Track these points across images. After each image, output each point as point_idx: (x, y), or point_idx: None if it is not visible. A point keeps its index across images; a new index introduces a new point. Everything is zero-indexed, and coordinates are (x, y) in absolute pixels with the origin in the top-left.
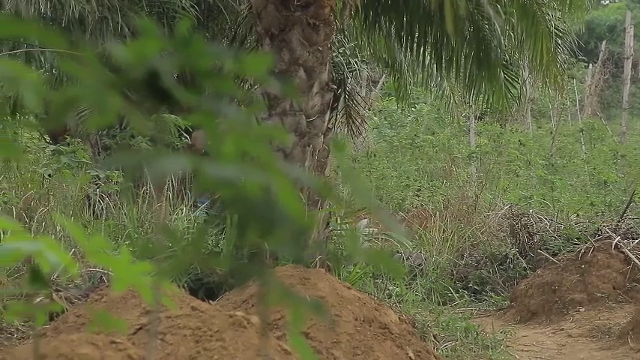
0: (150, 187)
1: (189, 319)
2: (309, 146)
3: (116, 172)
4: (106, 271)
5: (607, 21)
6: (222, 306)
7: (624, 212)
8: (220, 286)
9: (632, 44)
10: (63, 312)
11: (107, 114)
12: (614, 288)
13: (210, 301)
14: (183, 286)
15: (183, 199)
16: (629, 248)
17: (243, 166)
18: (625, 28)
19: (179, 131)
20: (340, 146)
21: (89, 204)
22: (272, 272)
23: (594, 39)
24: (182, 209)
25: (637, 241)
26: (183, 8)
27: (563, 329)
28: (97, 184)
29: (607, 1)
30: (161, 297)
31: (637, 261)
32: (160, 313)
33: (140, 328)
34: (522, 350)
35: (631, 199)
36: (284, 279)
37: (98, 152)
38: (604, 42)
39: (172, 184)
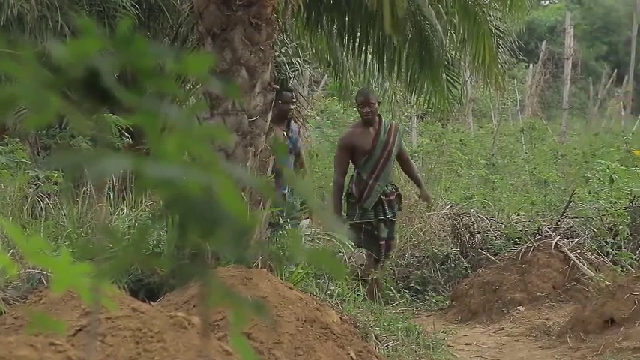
0: (90, 188)
1: (129, 320)
2: (251, 146)
3: (56, 172)
4: (45, 272)
5: (547, 22)
6: (163, 307)
7: (564, 212)
8: (161, 287)
9: (571, 45)
10: (1, 314)
11: (46, 113)
12: (553, 287)
13: (151, 302)
14: (124, 287)
15: (124, 199)
16: (568, 248)
17: (184, 166)
18: (565, 29)
19: (120, 131)
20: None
21: (28, 204)
22: (213, 272)
23: (535, 39)
24: (123, 209)
25: (576, 240)
26: (124, 7)
27: (503, 328)
28: (36, 185)
29: (547, 2)
30: (101, 298)
31: (576, 260)
32: (99, 314)
33: (80, 330)
34: (463, 350)
35: (570, 198)
36: (225, 279)
37: (37, 152)
38: (544, 42)
39: (113, 185)
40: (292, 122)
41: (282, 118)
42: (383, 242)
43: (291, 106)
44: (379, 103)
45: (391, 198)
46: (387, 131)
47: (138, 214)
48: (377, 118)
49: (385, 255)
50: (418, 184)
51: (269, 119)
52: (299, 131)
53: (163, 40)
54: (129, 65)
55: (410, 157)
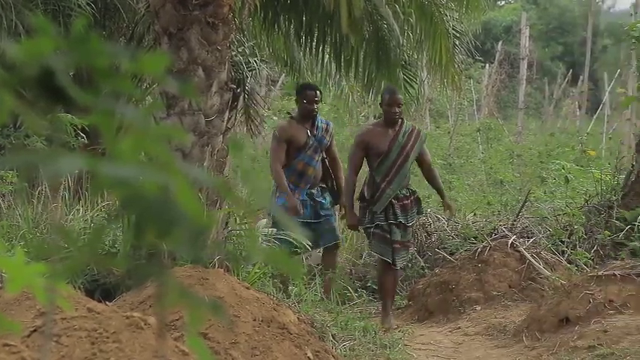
0: (45, 188)
1: (84, 320)
2: (208, 146)
3: (10, 172)
4: None
5: (503, 22)
6: (119, 307)
7: (520, 211)
8: (117, 287)
9: (527, 45)
10: None
11: (0, 113)
12: (509, 286)
13: (107, 302)
14: (79, 288)
15: (79, 199)
16: (524, 247)
17: (140, 165)
18: (520, 29)
19: (75, 131)
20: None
21: None
22: (170, 273)
23: (491, 40)
24: (79, 210)
25: (532, 239)
26: (79, 6)
27: (459, 328)
28: None
29: (503, 3)
30: (56, 298)
31: (532, 260)
32: (54, 314)
33: (34, 330)
34: (420, 349)
35: (526, 198)
36: (182, 279)
37: None
38: (500, 43)
39: (69, 185)
40: (319, 119)
41: (307, 117)
42: (397, 246)
43: (315, 106)
44: (403, 104)
45: (405, 202)
46: (406, 135)
47: (94, 214)
48: (399, 120)
49: (401, 258)
50: (440, 192)
51: (226, 119)
52: (326, 127)
53: (119, 39)
54: (84, 64)
55: (432, 166)
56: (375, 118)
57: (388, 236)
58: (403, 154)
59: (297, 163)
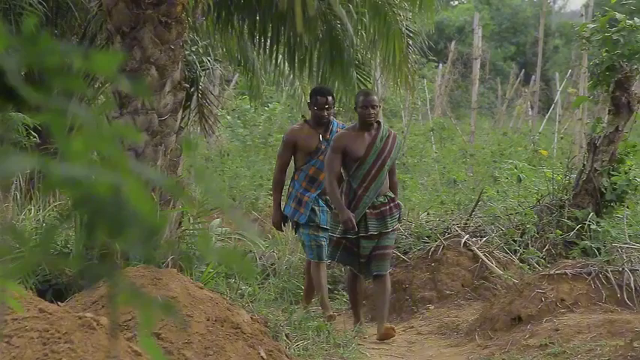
0: None
1: (36, 321)
2: (161, 145)
3: None
4: None
5: (456, 22)
6: (71, 307)
7: (473, 210)
8: (69, 288)
9: (480, 45)
10: None
11: None
12: (462, 285)
13: (59, 303)
14: (31, 288)
15: (31, 199)
16: (477, 246)
17: (92, 165)
18: (473, 29)
19: (27, 130)
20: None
21: None
22: (122, 273)
23: (444, 39)
24: (30, 209)
25: (485, 239)
26: (30, 5)
27: (413, 327)
28: None
29: (456, 3)
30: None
31: (485, 259)
32: (5, 315)
33: None
34: (373, 348)
35: (479, 197)
36: (135, 279)
37: None
38: (453, 42)
39: (20, 184)
40: (335, 123)
41: (319, 123)
42: (365, 260)
43: (325, 112)
44: (379, 107)
45: (383, 209)
46: (384, 139)
47: (45, 214)
48: (375, 123)
49: (376, 266)
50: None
51: (179, 118)
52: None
53: (71, 38)
54: (36, 63)
55: (396, 171)
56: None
57: (356, 250)
58: (380, 160)
59: (309, 168)
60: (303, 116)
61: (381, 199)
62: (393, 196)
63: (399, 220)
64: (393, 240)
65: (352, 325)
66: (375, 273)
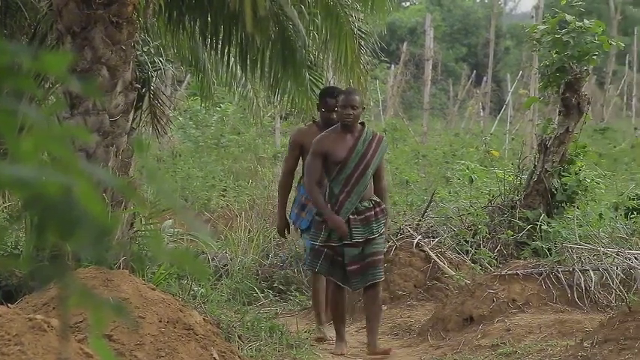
0: None
1: None
2: (112, 146)
3: None
4: None
5: (408, 23)
6: (22, 309)
7: (425, 211)
8: (20, 289)
9: (431, 46)
10: None
11: None
12: (415, 286)
13: (9, 305)
14: None
15: None
16: (429, 247)
17: (43, 166)
18: (425, 30)
19: None
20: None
21: None
22: (73, 274)
23: (396, 41)
24: None
25: (437, 239)
26: None
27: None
28: None
29: (408, 4)
30: None
31: (437, 259)
32: None
33: None
34: (326, 349)
35: (431, 198)
36: (86, 281)
37: None
38: (405, 44)
39: None
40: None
41: (328, 126)
42: (353, 267)
43: (333, 115)
44: (364, 108)
45: (367, 214)
46: (366, 142)
47: None
48: (359, 125)
49: (371, 275)
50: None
51: (131, 119)
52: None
53: (21, 38)
54: None
55: (384, 177)
56: (280, 118)
57: (340, 259)
58: (363, 163)
59: None
60: (313, 118)
61: (366, 204)
62: (378, 200)
63: (386, 226)
64: (383, 245)
65: (304, 325)
66: (370, 282)
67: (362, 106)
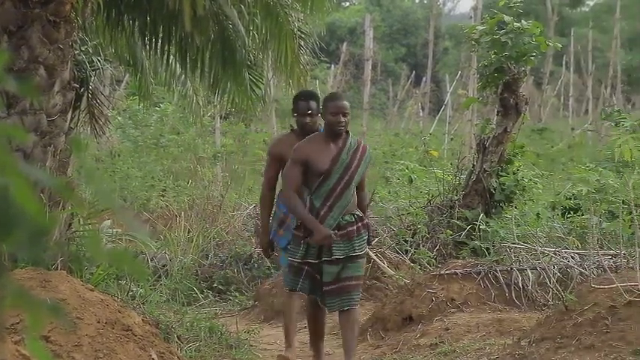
0: None
1: None
2: (50, 146)
3: None
4: None
5: (347, 23)
6: None
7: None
8: None
9: (371, 46)
10: None
11: None
12: None
13: None
14: None
15: None
16: (369, 246)
17: None
18: (364, 31)
19: None
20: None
21: None
22: (9, 275)
23: (336, 41)
24: None
25: (377, 239)
26: None
27: (305, 327)
28: None
29: (347, 4)
30: None
31: (377, 259)
32: None
33: None
34: (265, 349)
35: (371, 198)
36: (23, 282)
37: None
38: (345, 44)
39: None
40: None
41: (304, 130)
42: (329, 288)
43: (307, 119)
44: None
45: (349, 229)
46: (351, 151)
47: None
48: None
49: (344, 301)
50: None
51: (69, 119)
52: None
53: None
54: None
55: (366, 188)
56: (220, 118)
57: (318, 277)
58: (347, 175)
59: None
60: (291, 125)
61: (347, 218)
62: (360, 214)
63: (369, 243)
64: (362, 268)
65: (244, 326)
66: (345, 308)
67: (349, 112)
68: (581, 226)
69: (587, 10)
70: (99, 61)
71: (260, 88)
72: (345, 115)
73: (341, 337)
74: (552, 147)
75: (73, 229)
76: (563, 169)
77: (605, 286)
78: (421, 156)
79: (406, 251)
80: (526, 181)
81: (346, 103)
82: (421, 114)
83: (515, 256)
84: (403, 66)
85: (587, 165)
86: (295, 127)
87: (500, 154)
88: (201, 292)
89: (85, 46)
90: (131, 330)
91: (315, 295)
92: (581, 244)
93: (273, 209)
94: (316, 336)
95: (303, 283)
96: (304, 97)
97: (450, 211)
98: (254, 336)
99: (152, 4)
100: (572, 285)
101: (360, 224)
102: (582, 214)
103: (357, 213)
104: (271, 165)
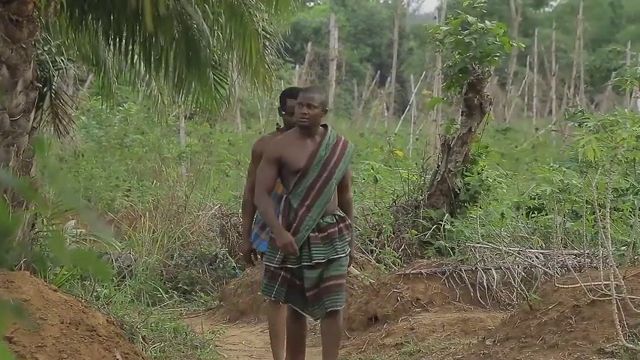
0: None
1: None
2: (13, 146)
3: None
4: None
5: (312, 23)
6: None
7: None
8: None
9: (336, 46)
10: None
11: None
12: None
13: None
14: None
15: None
16: None
17: None
18: (329, 31)
19: None
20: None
21: None
22: None
23: (300, 40)
24: None
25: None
26: None
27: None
28: None
29: (312, 4)
30: None
31: None
32: None
33: None
34: (231, 349)
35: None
36: None
37: None
38: (310, 44)
39: None
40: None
41: (290, 128)
42: (311, 293)
43: (292, 118)
44: (326, 110)
45: (330, 231)
46: (329, 147)
47: None
48: (321, 128)
49: (328, 302)
50: None
51: (32, 118)
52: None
53: None
54: None
55: (350, 188)
56: (185, 118)
57: (298, 283)
58: (326, 172)
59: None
60: (277, 124)
61: (328, 220)
62: (342, 215)
63: (351, 245)
64: (345, 268)
65: (209, 326)
66: (328, 310)
67: (323, 106)
68: (545, 225)
69: (550, 10)
70: (62, 60)
71: (225, 88)
72: (309, 106)
73: (328, 354)
74: (516, 147)
75: (36, 230)
76: (527, 169)
77: (569, 285)
78: (386, 156)
79: (371, 251)
80: (490, 181)
81: (312, 95)
82: (386, 114)
83: (479, 256)
84: (368, 66)
85: (551, 165)
86: (282, 125)
87: (464, 154)
88: (166, 293)
89: (48, 46)
90: (95, 331)
91: (294, 305)
92: (545, 244)
93: (257, 213)
94: (295, 353)
95: (279, 290)
96: (291, 94)
97: (415, 211)
98: (219, 336)
99: (115, 3)
100: (536, 284)
101: (342, 225)
102: (546, 214)
103: (339, 213)
104: (255, 165)
